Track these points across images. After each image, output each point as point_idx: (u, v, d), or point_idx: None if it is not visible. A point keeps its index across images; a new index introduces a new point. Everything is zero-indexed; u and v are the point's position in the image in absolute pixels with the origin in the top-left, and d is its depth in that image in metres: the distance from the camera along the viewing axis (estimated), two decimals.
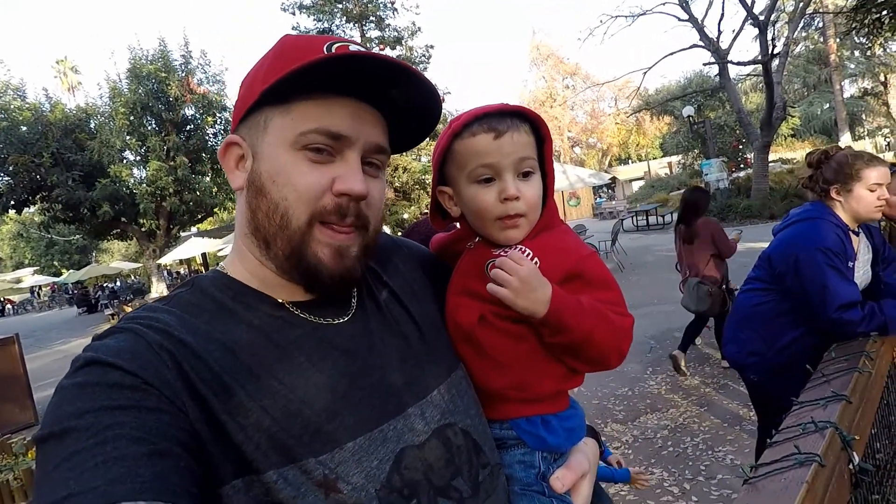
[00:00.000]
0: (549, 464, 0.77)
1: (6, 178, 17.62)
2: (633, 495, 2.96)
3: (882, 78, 27.72)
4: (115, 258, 41.63)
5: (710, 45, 15.74)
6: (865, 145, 24.77)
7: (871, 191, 1.93)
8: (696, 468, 3.16)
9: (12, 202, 18.06)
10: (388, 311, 0.76)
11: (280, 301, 0.69)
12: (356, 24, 15.75)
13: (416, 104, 0.72)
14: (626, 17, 17.42)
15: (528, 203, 0.78)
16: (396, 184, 17.75)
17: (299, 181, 0.65)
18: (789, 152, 26.04)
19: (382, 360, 0.70)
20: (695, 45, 16.37)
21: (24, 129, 17.39)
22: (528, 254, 0.77)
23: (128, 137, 17.49)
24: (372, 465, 0.61)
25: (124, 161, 18.40)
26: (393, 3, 15.62)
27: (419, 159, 19.26)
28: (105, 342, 0.59)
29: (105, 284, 34.26)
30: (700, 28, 16.01)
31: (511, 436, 0.78)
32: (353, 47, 0.67)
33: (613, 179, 32.98)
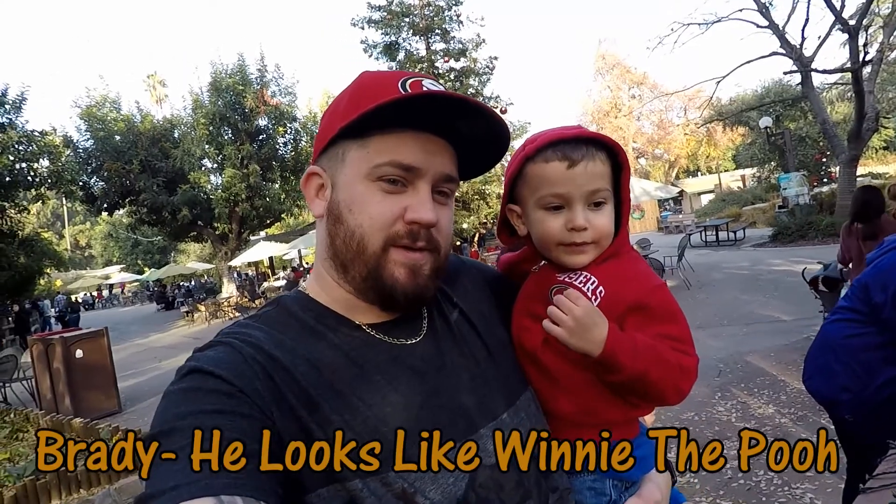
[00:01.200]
0: (619, 492, 0.77)
1: (101, 183, 19.46)
2: None
3: None
4: (191, 259, 44.45)
5: (793, 52, 14.80)
6: None
7: None
8: None
9: (105, 205, 19.96)
10: (458, 331, 0.79)
11: (357, 323, 0.73)
12: (422, 38, 16.09)
13: (484, 136, 0.75)
14: (699, 24, 16.71)
15: (598, 232, 0.77)
16: (456, 194, 17.77)
17: (374, 210, 0.69)
18: (881, 166, 23.99)
19: (453, 381, 0.72)
20: (775, 53, 15.46)
21: (118, 138, 19.14)
22: (594, 281, 0.76)
23: (207, 146, 18.77)
24: (448, 481, 0.64)
25: (203, 168, 19.82)
26: (458, 16, 15.86)
27: None
28: (206, 353, 0.65)
29: (181, 283, 36.71)
30: (781, 34, 15.10)
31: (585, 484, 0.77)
32: (425, 83, 0.71)
33: (681, 192, 31.57)
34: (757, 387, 4.70)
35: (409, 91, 0.68)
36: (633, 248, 0.85)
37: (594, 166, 0.76)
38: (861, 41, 13.24)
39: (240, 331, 0.69)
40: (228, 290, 21.96)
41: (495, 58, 16.12)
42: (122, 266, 44.76)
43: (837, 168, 15.86)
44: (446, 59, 15.86)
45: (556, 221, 0.78)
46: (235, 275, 28.29)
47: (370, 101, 0.65)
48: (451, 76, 16.02)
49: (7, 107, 13.99)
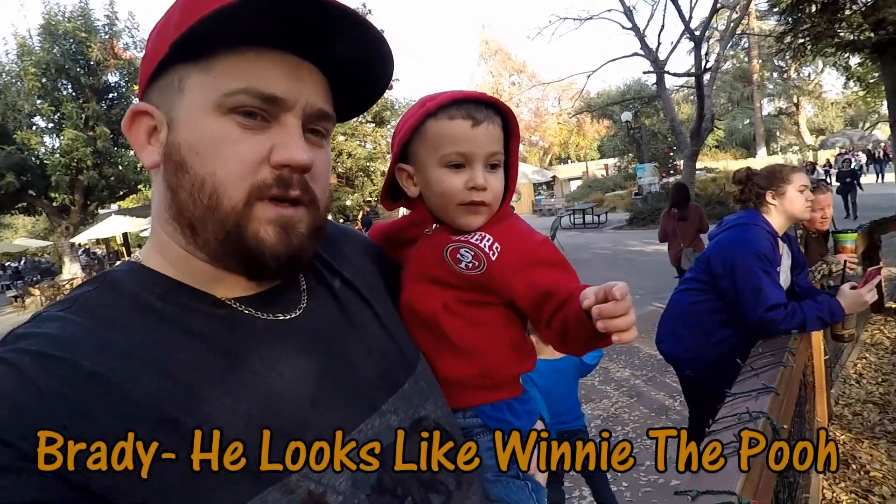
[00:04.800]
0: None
1: None
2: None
3: (795, 99, 30.30)
4: (20, 235, 37.95)
5: (650, 54, 16.46)
6: (778, 161, 27.01)
7: (800, 192, 2.13)
8: None
9: None
10: (343, 301, 0.70)
11: (220, 298, 0.59)
12: None
13: (365, 61, 0.62)
14: (574, 19, 17.86)
15: (493, 194, 0.79)
16: (340, 169, 17.32)
17: (229, 152, 0.54)
18: (713, 162, 27.93)
19: (347, 357, 0.64)
20: (636, 54, 17.05)
21: None
22: (489, 238, 0.77)
23: (38, 101, 16.08)
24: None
25: (34, 128, 16.79)
26: None
27: (364, 145, 18.90)
28: None
29: (7, 263, 31.18)
30: (641, 37, 16.68)
31: (476, 423, 0.78)
32: None
33: (553, 178, 33.98)
34: (616, 353, 5.24)
35: None
36: (515, 214, 0.87)
37: (494, 129, 0.77)
38: (703, 50, 15.13)
39: (38, 332, 0.50)
40: (72, 270, 19.02)
41: (382, 30, 15.56)
42: None
43: (682, 161, 18.13)
44: None
45: (457, 180, 0.77)
46: (81, 253, 24.76)
47: (210, 7, 0.50)
48: None
49: None
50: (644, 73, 19.54)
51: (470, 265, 0.75)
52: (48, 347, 0.48)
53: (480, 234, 0.78)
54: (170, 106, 0.57)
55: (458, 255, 0.76)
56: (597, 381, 4.66)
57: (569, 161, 43.17)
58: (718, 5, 14.93)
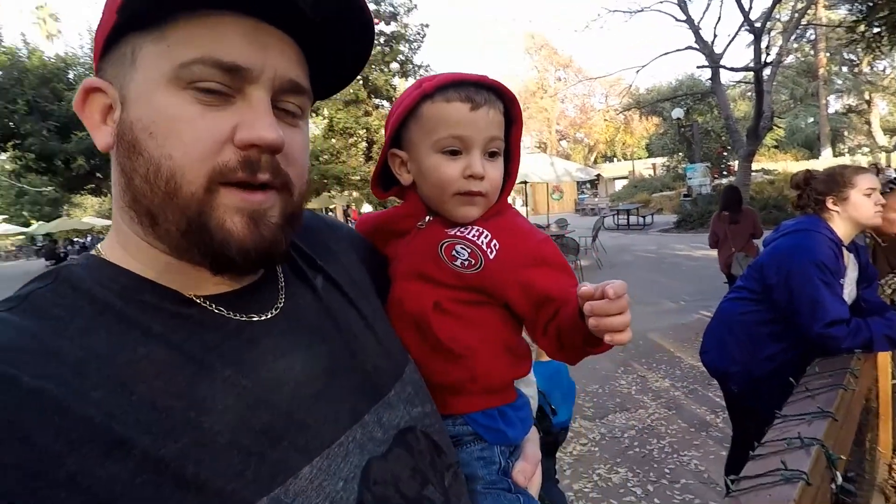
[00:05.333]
0: (506, 458, 0.74)
1: None
2: (597, 493, 2.93)
3: (867, 96, 28.27)
4: (89, 213, 40.34)
5: (705, 48, 15.72)
6: (845, 163, 25.33)
7: (867, 195, 1.90)
8: (661, 471, 3.13)
9: None
10: (325, 300, 0.64)
11: (188, 296, 0.53)
12: None
13: (337, 18, 0.54)
14: (624, 12, 17.27)
15: (492, 183, 0.74)
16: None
17: (186, 131, 0.48)
18: (771, 163, 26.49)
19: (326, 361, 0.58)
20: (689, 47, 16.33)
21: (0, 73, 16.60)
22: (487, 234, 0.73)
23: None
24: (337, 487, 0.50)
25: None
26: None
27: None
28: None
29: (76, 239, 33.19)
30: (696, 30, 15.96)
31: (466, 431, 0.73)
32: None
33: (598, 176, 33.16)
34: (656, 362, 5.03)
35: None
36: (513, 207, 0.82)
37: (494, 114, 0.73)
38: (764, 44, 14.32)
39: None
40: None
41: (426, 25, 15.70)
42: (3, 217, 39.66)
43: (736, 162, 17.27)
44: (376, 20, 15.18)
45: (453, 167, 0.72)
46: None
47: None
48: (381, 40, 15.40)
49: None
50: (698, 67, 18.80)
51: (466, 263, 0.70)
52: None
53: (478, 230, 0.73)
54: (122, 81, 0.51)
55: (454, 252, 0.71)
56: (634, 389, 4.46)
57: (614, 159, 42.07)
58: None
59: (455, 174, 0.72)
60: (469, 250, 0.71)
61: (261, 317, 0.56)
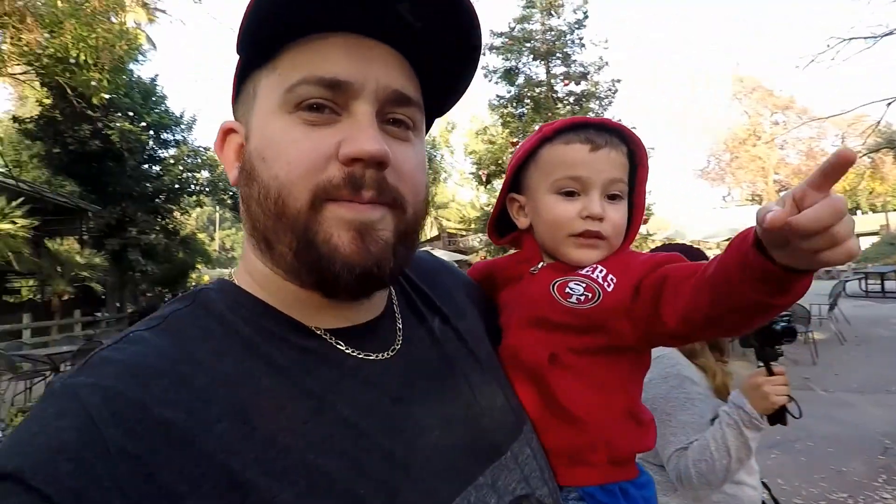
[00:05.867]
0: None
1: None
2: None
3: None
4: None
5: None
6: None
7: None
8: None
9: None
10: (443, 345, 0.61)
11: (312, 328, 0.53)
12: (542, 61, 15.82)
13: (441, 26, 0.51)
14: (865, 38, 14.61)
15: (613, 226, 0.71)
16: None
17: (291, 151, 0.48)
18: None
19: (442, 411, 0.54)
20: None
21: None
22: (602, 269, 0.69)
23: None
24: None
25: None
26: (581, 40, 15.43)
27: None
28: (32, 426, 0.40)
29: None
30: None
31: None
32: None
33: None
34: None
35: None
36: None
37: (616, 155, 0.71)
38: None
39: (119, 358, 0.44)
40: None
41: (618, 80, 15.40)
42: None
43: None
44: (566, 82, 15.53)
45: (570, 207, 0.71)
46: None
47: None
48: (571, 100, 15.65)
49: (182, 126, 16.63)
50: None
51: (582, 298, 0.67)
52: (122, 384, 0.42)
53: (592, 267, 0.70)
54: (248, 117, 0.54)
55: (568, 289, 0.68)
56: (881, 478, 3.42)
57: (858, 212, 34.73)
58: None
59: (570, 214, 0.71)
60: (584, 284, 0.68)
61: (378, 356, 0.54)
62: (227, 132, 0.56)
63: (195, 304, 0.52)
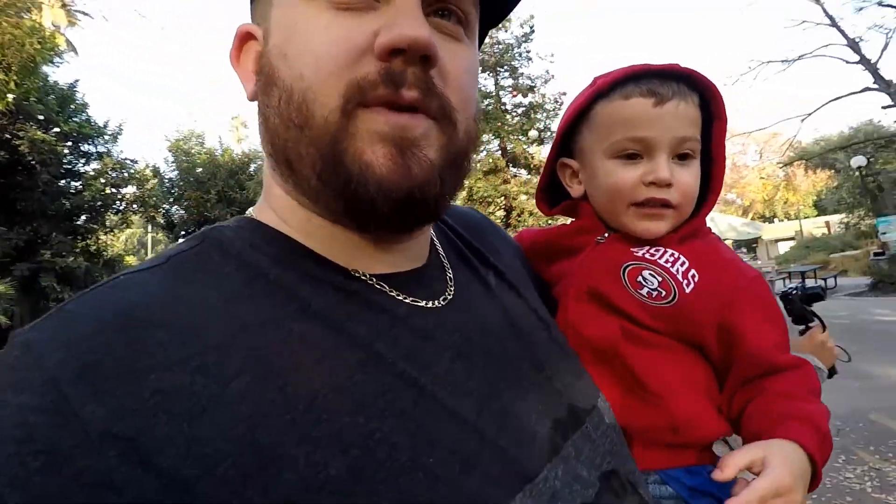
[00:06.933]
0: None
1: (181, 212, 20.80)
2: None
3: None
4: None
5: (888, 87, 13.74)
6: None
7: None
8: None
9: (183, 232, 21.23)
10: (501, 298, 0.54)
11: (352, 270, 0.44)
12: (490, 73, 16.22)
13: None
14: (781, 61, 15.98)
15: (683, 192, 0.63)
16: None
17: (318, 42, 0.40)
18: None
19: (509, 370, 0.47)
20: (868, 89, 14.44)
21: (200, 170, 20.55)
22: (684, 262, 0.62)
23: None
24: None
25: None
26: (528, 52, 15.94)
27: None
28: None
29: None
30: (874, 70, 14.13)
31: (665, 494, 0.59)
32: None
33: (755, 238, 29.79)
34: (891, 451, 3.97)
35: None
36: (713, 233, 0.70)
37: (686, 108, 0.62)
38: None
39: (94, 313, 0.34)
40: None
41: (563, 93, 16.05)
42: None
43: None
44: (514, 93, 15.95)
45: (631, 173, 0.63)
46: None
47: None
48: (519, 111, 16.05)
49: (107, 137, 15.33)
50: (884, 108, 16.30)
51: (654, 294, 0.60)
52: (104, 342, 0.32)
53: (672, 255, 0.63)
54: (266, 14, 0.45)
55: (641, 279, 0.61)
56: (870, 486, 3.52)
57: (774, 220, 37.67)
58: None
59: (632, 181, 0.63)
60: (660, 279, 0.61)
61: (430, 304, 0.46)
62: (244, 38, 0.48)
63: (205, 244, 0.43)
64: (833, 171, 25.96)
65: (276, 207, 0.46)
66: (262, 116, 0.44)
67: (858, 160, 17.30)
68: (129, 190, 15.96)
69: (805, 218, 35.18)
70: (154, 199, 16.29)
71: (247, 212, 0.50)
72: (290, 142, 0.41)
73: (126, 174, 15.43)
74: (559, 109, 16.04)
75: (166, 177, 20.45)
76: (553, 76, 15.96)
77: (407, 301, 0.45)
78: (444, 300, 0.48)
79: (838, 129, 28.69)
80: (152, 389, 0.31)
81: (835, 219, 27.31)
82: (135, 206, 16.05)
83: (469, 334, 0.46)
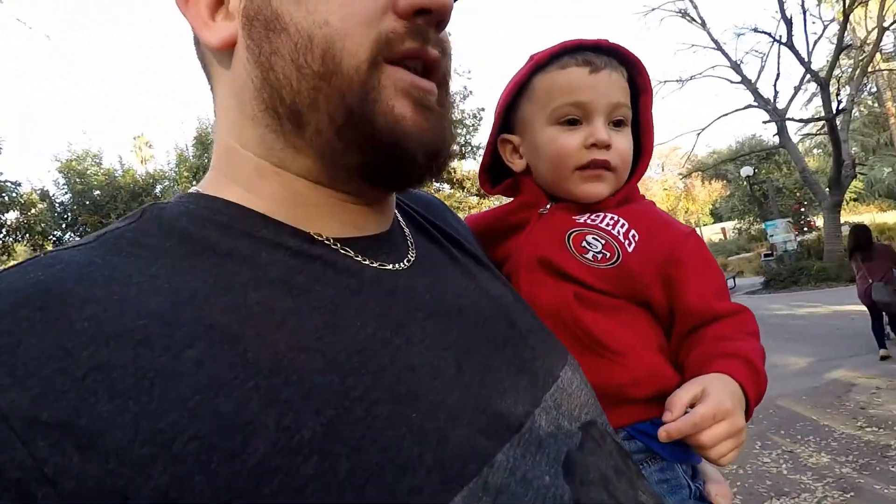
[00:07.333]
0: (689, 478, 0.64)
1: (76, 238, 18.75)
2: None
3: None
4: None
5: (767, 104, 15.40)
6: None
7: None
8: None
9: None
10: (463, 262, 0.53)
11: (314, 234, 0.42)
12: None
13: None
14: (676, 81, 17.41)
15: (620, 155, 0.67)
16: None
17: None
18: (854, 215, 24.76)
19: (483, 327, 0.46)
20: (749, 106, 16.09)
21: (97, 192, 18.78)
22: (624, 223, 0.65)
23: None
24: (544, 482, 0.38)
25: None
26: None
27: None
28: None
29: None
30: (754, 89, 15.78)
31: (635, 448, 0.61)
32: None
33: None
34: (800, 433, 4.26)
35: None
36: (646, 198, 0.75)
37: (618, 77, 0.67)
38: (832, 90, 13.84)
39: (11, 291, 0.30)
40: None
41: (482, 109, 16.40)
42: None
43: (821, 215, 16.16)
44: None
45: (573, 137, 0.66)
46: None
47: None
48: None
49: None
50: (764, 122, 18.27)
51: (599, 256, 0.63)
52: (22, 320, 0.29)
53: (612, 218, 0.66)
54: None
55: (585, 244, 0.64)
56: (785, 468, 3.72)
57: None
58: (845, 44, 13.78)
59: (575, 145, 0.65)
60: (603, 241, 0.63)
61: (396, 266, 0.45)
62: None
63: (142, 220, 0.39)
64: (725, 181, 28.59)
65: (242, 174, 0.42)
66: (259, 66, 0.39)
67: (746, 170, 19.21)
68: (12, 216, 14.17)
69: (704, 225, 38.41)
70: (42, 224, 14.57)
71: (190, 189, 0.45)
72: (304, 92, 0.38)
73: (6, 198, 13.68)
74: (479, 125, 16.45)
75: (57, 200, 18.53)
76: (471, 92, 16.27)
77: (374, 265, 0.43)
78: (408, 262, 0.46)
79: (727, 143, 31.83)
80: (86, 367, 0.28)
81: (729, 225, 30.08)
82: (18, 233, 14.27)
83: (439, 293, 0.45)
